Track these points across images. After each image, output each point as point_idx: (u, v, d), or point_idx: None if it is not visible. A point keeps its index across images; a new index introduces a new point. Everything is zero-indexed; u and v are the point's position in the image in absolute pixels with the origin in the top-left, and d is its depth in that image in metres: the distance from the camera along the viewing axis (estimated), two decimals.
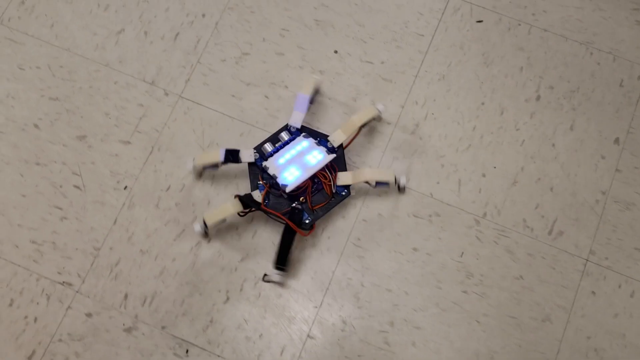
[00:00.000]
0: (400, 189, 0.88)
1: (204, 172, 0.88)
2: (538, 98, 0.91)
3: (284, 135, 0.87)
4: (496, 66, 0.93)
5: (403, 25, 0.95)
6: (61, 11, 0.95)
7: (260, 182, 0.85)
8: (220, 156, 0.84)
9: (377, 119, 0.90)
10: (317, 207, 0.85)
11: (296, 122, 0.88)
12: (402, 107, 0.91)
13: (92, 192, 0.87)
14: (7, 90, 0.91)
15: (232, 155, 0.85)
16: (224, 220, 0.83)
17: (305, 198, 0.85)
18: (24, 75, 0.92)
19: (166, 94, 0.91)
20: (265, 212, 0.84)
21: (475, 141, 0.89)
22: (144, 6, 0.96)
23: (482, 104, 0.91)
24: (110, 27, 0.95)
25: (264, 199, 0.84)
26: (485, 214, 0.86)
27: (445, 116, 0.90)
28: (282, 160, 0.85)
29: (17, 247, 0.85)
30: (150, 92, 0.91)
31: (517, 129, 0.90)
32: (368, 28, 0.95)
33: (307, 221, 0.84)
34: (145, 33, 0.94)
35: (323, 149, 0.86)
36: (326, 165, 0.85)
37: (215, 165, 0.86)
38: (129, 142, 0.89)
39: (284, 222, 0.82)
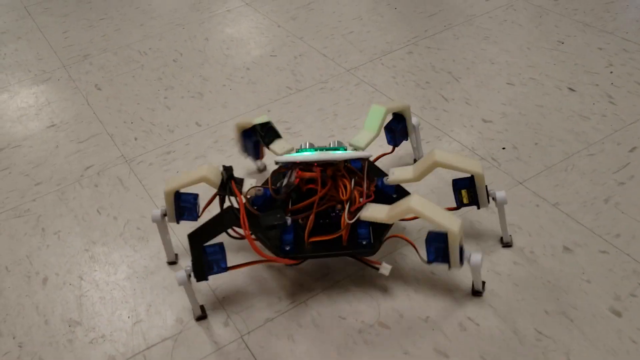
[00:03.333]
0: (505, 243, 0.66)
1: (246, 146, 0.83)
2: None
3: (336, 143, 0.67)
4: None
5: None
6: None
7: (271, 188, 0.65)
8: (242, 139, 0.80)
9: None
10: (314, 239, 0.61)
11: (359, 141, 0.65)
12: None
13: None
14: None
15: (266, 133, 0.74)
16: (194, 200, 0.66)
17: (306, 220, 0.61)
18: None
19: None
20: (230, 193, 0.62)
21: None
22: None
23: None
24: None
25: (252, 199, 0.63)
26: None
27: None
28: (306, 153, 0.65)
29: None
30: None
31: None
32: None
33: (287, 247, 0.60)
34: None
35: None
36: (354, 178, 0.60)
37: (250, 143, 0.80)
38: None
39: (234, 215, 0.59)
